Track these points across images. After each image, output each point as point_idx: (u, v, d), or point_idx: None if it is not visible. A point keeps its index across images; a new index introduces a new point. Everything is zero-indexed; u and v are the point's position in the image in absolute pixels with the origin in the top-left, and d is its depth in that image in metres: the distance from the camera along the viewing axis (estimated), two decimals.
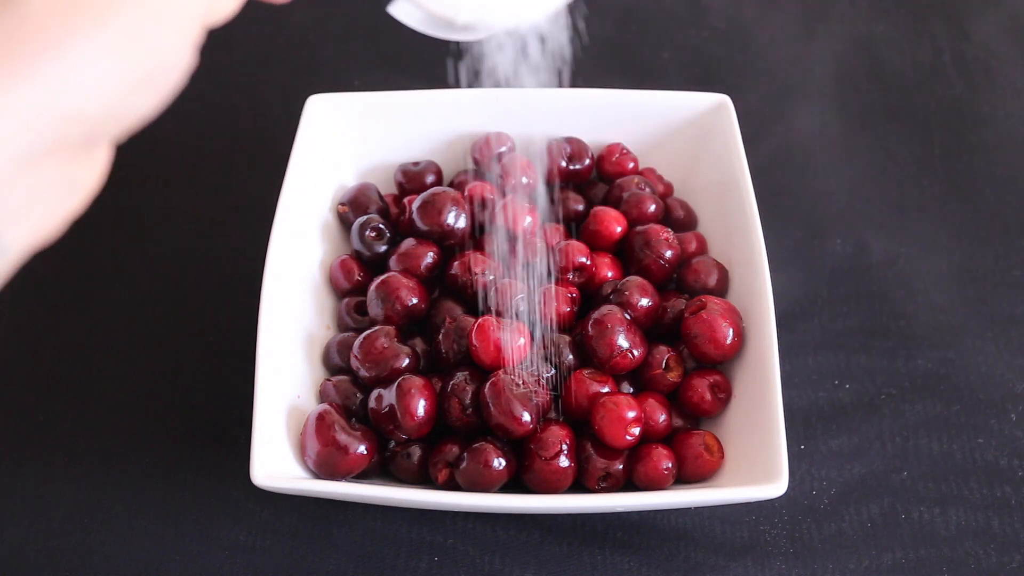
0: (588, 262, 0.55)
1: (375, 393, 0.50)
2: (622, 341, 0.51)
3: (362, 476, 0.50)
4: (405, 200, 0.59)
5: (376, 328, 0.52)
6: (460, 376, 0.50)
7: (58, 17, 0.24)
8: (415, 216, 0.56)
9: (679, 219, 0.60)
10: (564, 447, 0.48)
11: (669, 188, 0.63)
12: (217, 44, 0.41)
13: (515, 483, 0.50)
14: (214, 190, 0.68)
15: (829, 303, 0.62)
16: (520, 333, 0.50)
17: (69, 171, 0.27)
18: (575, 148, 0.61)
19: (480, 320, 0.51)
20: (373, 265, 0.57)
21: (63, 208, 0.27)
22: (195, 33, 0.28)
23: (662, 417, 0.51)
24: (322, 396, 0.52)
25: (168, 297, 0.62)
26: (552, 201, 0.59)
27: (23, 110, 0.24)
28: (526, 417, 0.48)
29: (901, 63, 0.76)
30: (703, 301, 0.53)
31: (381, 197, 0.60)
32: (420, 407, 0.48)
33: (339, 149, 0.61)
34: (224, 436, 0.56)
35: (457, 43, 0.45)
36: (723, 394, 0.52)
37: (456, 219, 0.55)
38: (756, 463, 0.48)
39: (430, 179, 0.61)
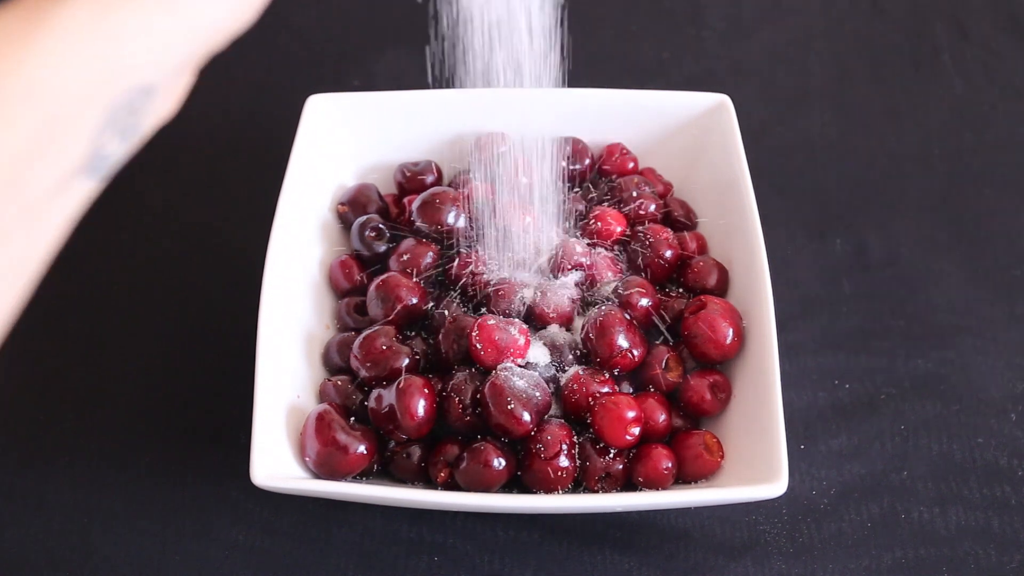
0: (588, 262, 0.55)
1: (375, 393, 0.50)
2: (622, 341, 0.51)
3: (362, 476, 0.50)
4: (405, 200, 0.59)
5: (376, 328, 0.52)
6: (460, 376, 0.50)
7: None
8: (415, 216, 0.56)
9: (679, 219, 0.60)
10: (564, 447, 0.48)
11: (669, 188, 0.63)
12: None
13: (515, 483, 0.50)
14: (214, 190, 0.68)
15: (829, 303, 0.62)
16: (520, 333, 0.50)
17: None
18: (575, 148, 0.61)
19: (480, 320, 0.51)
20: (373, 265, 0.57)
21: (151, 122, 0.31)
22: None
23: (662, 417, 0.51)
24: (322, 396, 0.52)
25: (168, 297, 0.62)
26: (552, 201, 0.58)
27: (167, 32, 0.28)
28: (526, 417, 0.48)
29: (901, 63, 0.76)
30: (703, 301, 0.53)
31: (381, 197, 0.60)
32: (420, 407, 0.48)
33: (339, 149, 0.61)
34: (224, 436, 0.55)
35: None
36: (723, 394, 0.52)
37: (456, 219, 0.55)
38: (756, 463, 0.48)
39: (430, 179, 0.61)
